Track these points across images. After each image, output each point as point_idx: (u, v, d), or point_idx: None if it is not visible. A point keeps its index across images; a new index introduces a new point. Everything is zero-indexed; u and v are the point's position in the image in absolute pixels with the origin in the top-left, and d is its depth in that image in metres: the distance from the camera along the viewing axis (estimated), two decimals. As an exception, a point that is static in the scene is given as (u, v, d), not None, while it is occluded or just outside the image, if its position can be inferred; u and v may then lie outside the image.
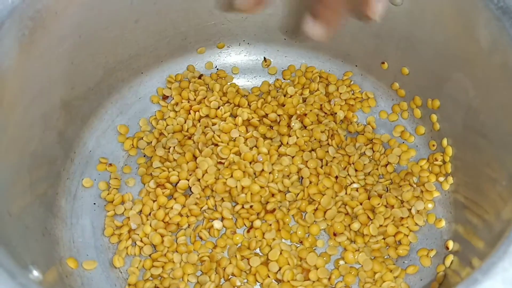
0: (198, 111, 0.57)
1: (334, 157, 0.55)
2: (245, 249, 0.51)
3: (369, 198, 0.52)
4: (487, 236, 0.42)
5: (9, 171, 0.44)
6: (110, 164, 0.55)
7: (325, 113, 0.58)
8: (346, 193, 0.53)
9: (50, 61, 0.47)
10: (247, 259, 0.50)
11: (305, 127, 0.57)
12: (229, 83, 0.60)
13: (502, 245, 0.34)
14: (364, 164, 0.55)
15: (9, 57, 0.41)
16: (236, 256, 0.50)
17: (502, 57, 0.43)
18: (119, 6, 0.51)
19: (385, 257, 0.51)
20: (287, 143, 0.56)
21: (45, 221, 0.49)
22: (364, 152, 0.55)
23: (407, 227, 0.51)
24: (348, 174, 0.54)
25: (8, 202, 0.42)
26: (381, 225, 0.51)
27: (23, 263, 0.37)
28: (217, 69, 0.61)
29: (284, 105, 0.58)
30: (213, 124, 0.57)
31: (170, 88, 0.59)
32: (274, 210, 0.52)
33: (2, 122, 0.42)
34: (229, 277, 0.50)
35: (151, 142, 0.56)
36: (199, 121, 0.57)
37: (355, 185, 0.53)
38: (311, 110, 0.57)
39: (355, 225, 0.51)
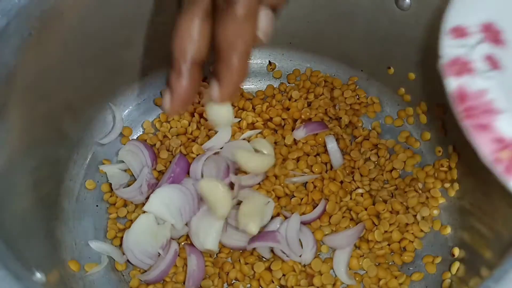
0: (202, 113, 0.57)
1: (339, 162, 0.55)
2: (249, 254, 0.50)
3: (374, 204, 0.52)
4: (495, 244, 0.41)
5: (12, 172, 0.43)
6: (113, 166, 0.55)
7: (330, 117, 0.57)
8: (351, 198, 0.53)
9: (55, 62, 0.47)
10: (251, 264, 0.50)
11: (310, 131, 0.56)
12: (233, 86, 0.60)
13: (514, 253, 0.34)
14: (369, 170, 0.54)
15: (16, 56, 0.41)
16: (239, 260, 0.50)
17: None
18: (125, 8, 0.50)
19: (390, 263, 0.50)
20: (292, 147, 0.55)
21: (47, 223, 0.48)
22: (369, 157, 0.55)
23: (412, 233, 0.51)
24: (353, 179, 0.54)
25: (12, 203, 0.42)
26: (386, 231, 0.51)
27: (27, 265, 0.37)
28: (222, 72, 0.61)
29: (288, 109, 0.58)
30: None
31: (175, 91, 0.59)
32: (278, 214, 0.52)
33: (7, 123, 0.42)
34: (232, 282, 0.50)
35: (155, 144, 0.56)
36: (203, 124, 0.57)
37: (360, 190, 0.53)
38: (316, 115, 0.57)
39: (360, 231, 0.51)
